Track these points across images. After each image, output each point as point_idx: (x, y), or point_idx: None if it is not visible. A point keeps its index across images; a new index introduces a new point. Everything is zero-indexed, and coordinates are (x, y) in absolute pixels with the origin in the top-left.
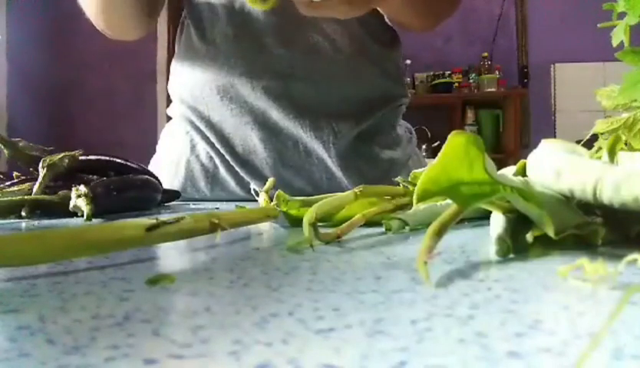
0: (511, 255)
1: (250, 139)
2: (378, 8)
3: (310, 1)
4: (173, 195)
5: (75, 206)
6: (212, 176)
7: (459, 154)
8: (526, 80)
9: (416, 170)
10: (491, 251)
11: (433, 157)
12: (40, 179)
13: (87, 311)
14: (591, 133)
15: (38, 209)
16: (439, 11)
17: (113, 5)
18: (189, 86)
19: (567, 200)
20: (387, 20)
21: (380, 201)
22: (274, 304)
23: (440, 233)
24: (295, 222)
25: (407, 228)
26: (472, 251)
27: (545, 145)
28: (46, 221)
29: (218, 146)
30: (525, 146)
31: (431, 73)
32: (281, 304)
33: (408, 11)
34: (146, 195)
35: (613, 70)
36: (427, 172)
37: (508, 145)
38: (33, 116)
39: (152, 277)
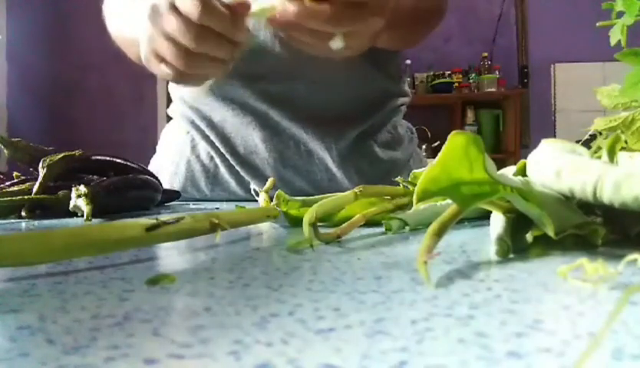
0: (511, 255)
1: (251, 138)
2: None
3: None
4: (173, 195)
5: (75, 206)
6: (212, 176)
7: (459, 154)
8: (526, 80)
9: (416, 170)
10: (491, 251)
11: (433, 157)
12: (40, 179)
13: (87, 311)
14: (590, 130)
15: (38, 209)
16: (424, 31)
17: None
18: None
19: (567, 200)
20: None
21: (380, 201)
22: (274, 304)
23: (440, 233)
24: (295, 222)
25: (407, 228)
26: (472, 251)
27: (545, 145)
28: (46, 221)
29: (219, 145)
30: (525, 146)
31: (431, 73)
32: (281, 304)
33: (394, 42)
34: (146, 195)
35: (613, 70)
36: (427, 172)
37: (508, 145)
38: (33, 116)
39: (152, 277)
